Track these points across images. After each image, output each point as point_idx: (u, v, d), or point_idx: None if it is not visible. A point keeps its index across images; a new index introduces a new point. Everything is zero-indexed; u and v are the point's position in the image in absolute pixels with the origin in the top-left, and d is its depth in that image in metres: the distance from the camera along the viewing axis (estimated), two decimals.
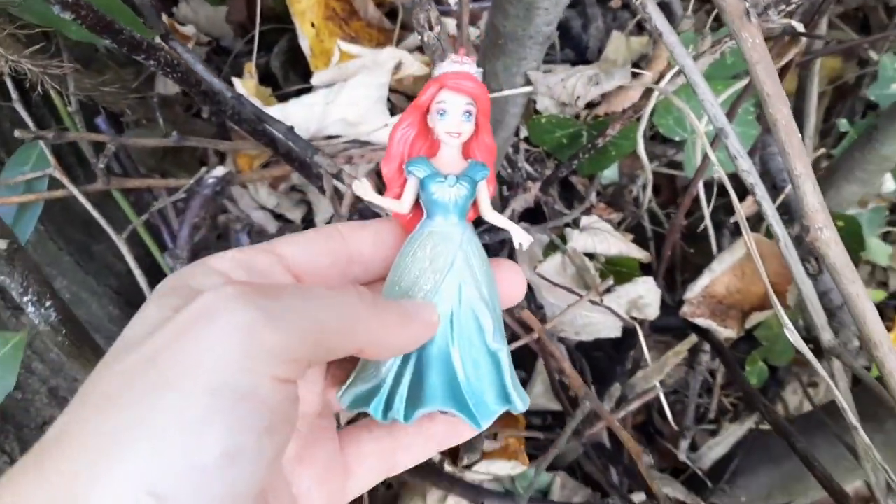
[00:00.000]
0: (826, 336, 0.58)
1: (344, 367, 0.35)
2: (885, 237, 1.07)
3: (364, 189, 0.35)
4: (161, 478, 0.23)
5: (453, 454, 0.71)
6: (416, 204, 0.36)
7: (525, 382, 0.94)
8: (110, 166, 0.62)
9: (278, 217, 0.81)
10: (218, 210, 0.73)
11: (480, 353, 0.34)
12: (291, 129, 0.62)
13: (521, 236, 0.36)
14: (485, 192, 0.36)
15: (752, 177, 0.52)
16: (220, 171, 0.65)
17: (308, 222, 0.82)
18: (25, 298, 0.44)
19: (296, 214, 0.81)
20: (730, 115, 0.69)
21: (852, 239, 0.74)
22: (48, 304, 0.45)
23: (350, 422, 0.35)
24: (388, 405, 0.33)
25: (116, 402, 0.24)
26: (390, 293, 0.34)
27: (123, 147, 0.67)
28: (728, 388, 0.95)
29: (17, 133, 0.56)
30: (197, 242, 0.67)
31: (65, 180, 0.60)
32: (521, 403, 0.34)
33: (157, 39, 0.58)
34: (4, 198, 0.60)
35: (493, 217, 0.37)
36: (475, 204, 0.36)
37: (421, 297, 0.34)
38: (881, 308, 1.02)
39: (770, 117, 0.39)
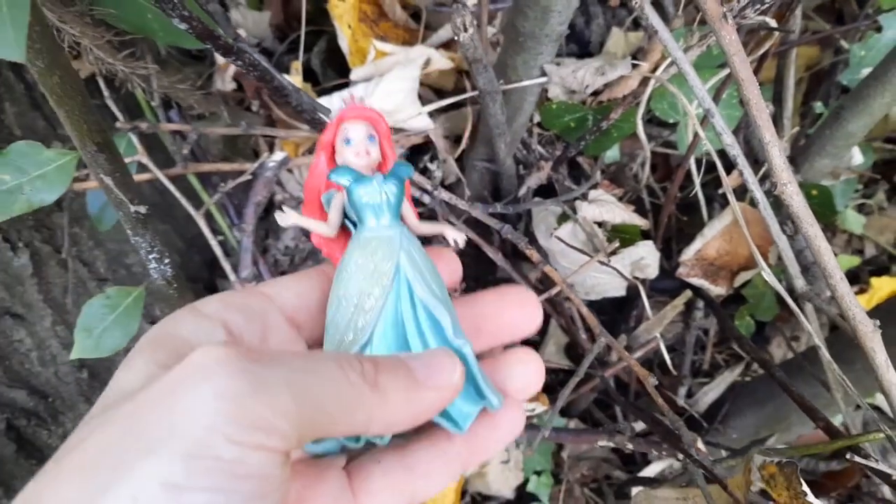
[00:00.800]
0: (799, 283, 0.68)
1: None
2: (861, 209, 1.18)
3: (287, 217, 0.35)
4: None
5: None
6: (340, 234, 0.36)
7: (538, 345, 1.04)
8: (185, 153, 0.72)
9: None
10: (272, 191, 0.83)
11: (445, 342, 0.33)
12: None
13: (454, 234, 0.37)
14: (409, 209, 0.37)
15: (734, 149, 0.63)
16: (279, 155, 0.75)
17: None
18: (151, 256, 0.54)
19: None
20: (716, 98, 0.79)
21: (825, 206, 0.84)
22: (166, 261, 0.56)
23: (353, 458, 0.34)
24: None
25: (94, 466, 0.23)
26: (337, 307, 0.33)
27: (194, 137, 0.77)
28: (720, 346, 1.06)
29: (117, 124, 0.67)
30: (260, 218, 0.77)
31: (151, 165, 0.70)
32: (496, 399, 0.34)
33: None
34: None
35: (422, 228, 0.37)
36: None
37: (371, 303, 0.33)
38: (856, 273, 1.13)
39: (744, 97, 0.49)
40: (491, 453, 0.35)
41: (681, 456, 0.60)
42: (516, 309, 0.36)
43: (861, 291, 1.03)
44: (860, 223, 1.11)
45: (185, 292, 0.59)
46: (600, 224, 0.81)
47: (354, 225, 0.36)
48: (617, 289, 0.85)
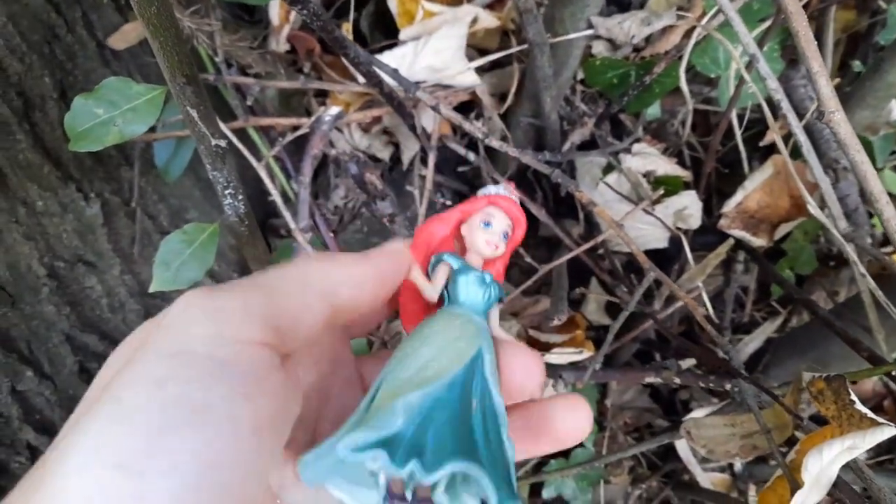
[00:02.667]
0: (842, 224, 0.70)
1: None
2: None
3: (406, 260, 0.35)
4: (123, 446, 0.22)
5: (531, 343, 0.84)
6: (419, 300, 0.36)
7: (579, 302, 1.07)
8: (248, 104, 0.75)
9: (370, 157, 0.95)
10: (326, 147, 0.86)
11: (497, 440, 0.30)
12: (396, 70, 0.76)
13: (526, 359, 0.34)
14: (496, 314, 0.36)
15: (779, 93, 0.65)
16: (334, 110, 0.78)
17: (395, 160, 0.95)
18: (227, 191, 0.58)
19: (385, 154, 0.95)
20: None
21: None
22: (240, 198, 0.59)
23: None
24: (408, 452, 0.27)
25: (89, 397, 0.25)
26: (413, 363, 0.31)
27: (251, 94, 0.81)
28: (758, 304, 1.08)
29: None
30: (315, 171, 0.81)
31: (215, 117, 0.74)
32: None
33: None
34: (166, 133, 0.74)
35: (499, 335, 0.35)
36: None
37: (452, 359, 0.31)
38: None
39: (793, 29, 0.52)
40: (540, 453, 0.35)
41: (728, 385, 0.62)
42: (520, 369, 0.33)
43: None
44: None
45: (255, 231, 0.63)
46: (644, 175, 0.83)
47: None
48: (659, 240, 0.87)
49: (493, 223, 0.36)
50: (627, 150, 0.84)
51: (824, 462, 0.48)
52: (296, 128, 0.78)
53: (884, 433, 0.47)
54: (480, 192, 0.37)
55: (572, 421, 0.33)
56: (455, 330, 0.33)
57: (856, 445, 0.48)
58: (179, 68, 0.47)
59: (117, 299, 0.80)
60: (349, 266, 0.31)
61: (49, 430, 0.75)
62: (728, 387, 0.61)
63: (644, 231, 0.86)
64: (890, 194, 1.15)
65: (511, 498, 0.28)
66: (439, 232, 0.37)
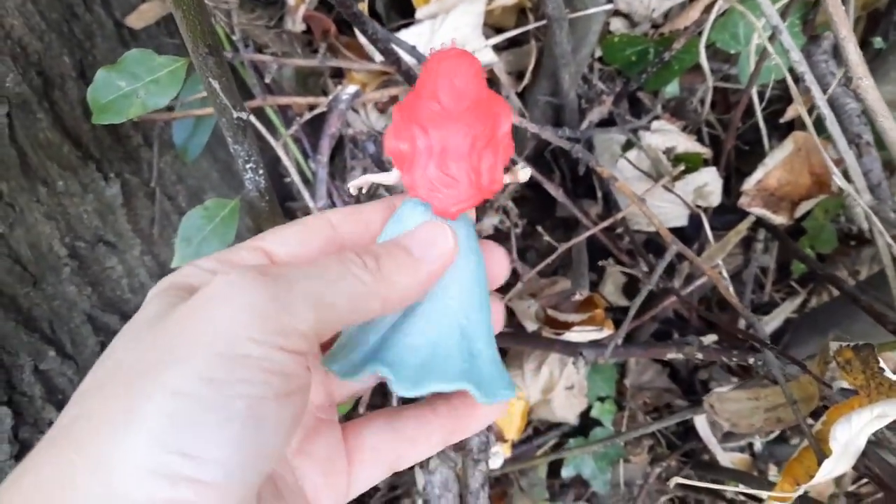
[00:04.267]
0: (866, 197, 0.69)
1: None
2: None
3: (358, 182, 0.36)
4: (185, 435, 0.24)
5: (550, 322, 0.84)
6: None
7: (596, 284, 1.06)
8: (266, 82, 0.75)
9: None
10: (343, 127, 0.86)
11: (490, 346, 0.35)
12: (414, 47, 0.75)
13: (523, 174, 0.37)
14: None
15: (802, 66, 0.64)
16: (351, 89, 0.78)
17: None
18: (248, 165, 0.58)
19: None
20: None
21: None
22: (261, 172, 0.59)
23: (348, 417, 0.36)
24: (398, 366, 0.33)
25: (130, 376, 0.25)
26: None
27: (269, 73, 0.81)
28: (778, 284, 1.07)
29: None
30: (333, 150, 0.81)
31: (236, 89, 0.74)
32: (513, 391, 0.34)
33: None
34: (184, 112, 0.74)
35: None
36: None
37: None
38: None
39: None
40: (470, 432, 0.37)
41: (752, 359, 0.62)
42: (491, 264, 0.37)
43: None
44: None
45: (275, 206, 0.62)
46: (664, 152, 0.83)
47: None
48: (679, 218, 0.86)
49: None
50: (647, 128, 0.83)
51: (853, 431, 0.48)
52: (313, 107, 0.78)
53: None
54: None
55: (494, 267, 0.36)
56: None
57: (885, 413, 0.47)
58: (202, 38, 0.47)
59: (137, 280, 0.80)
60: (399, 260, 0.32)
61: None
62: (752, 360, 0.60)
63: (663, 209, 0.85)
64: None
65: (506, 390, 0.34)
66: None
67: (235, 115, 0.52)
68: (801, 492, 0.48)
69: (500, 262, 0.37)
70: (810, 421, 0.55)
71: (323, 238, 0.35)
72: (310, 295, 0.28)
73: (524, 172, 0.37)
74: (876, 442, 0.55)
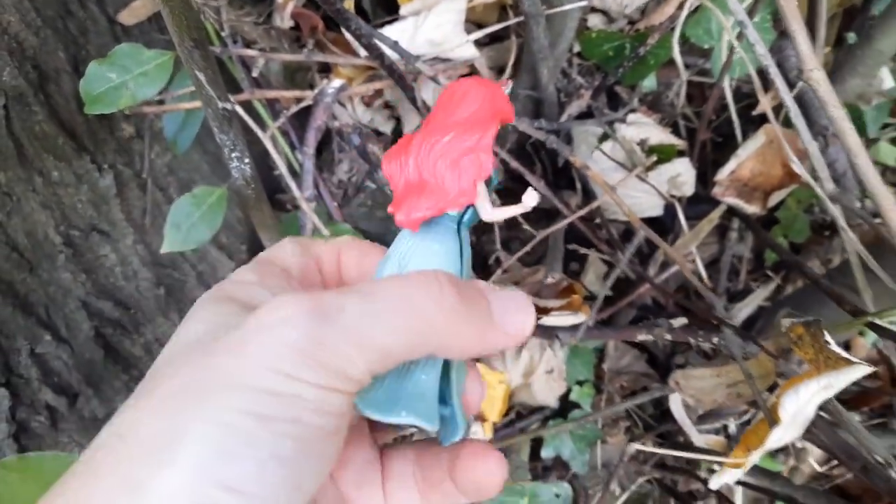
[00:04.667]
0: (829, 186, 0.72)
1: None
2: (895, 141, 1.20)
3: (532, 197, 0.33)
4: (232, 470, 0.23)
5: None
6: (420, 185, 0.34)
7: (578, 273, 1.10)
8: (253, 76, 0.78)
9: (373, 131, 0.98)
10: (330, 120, 0.89)
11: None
12: (396, 42, 0.78)
13: (529, 201, 0.33)
14: (483, 201, 0.34)
15: (766, 59, 0.67)
16: (337, 83, 0.81)
17: (397, 133, 0.98)
18: (233, 154, 0.61)
19: (387, 128, 0.98)
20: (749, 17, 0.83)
21: (855, 125, 0.88)
22: (246, 161, 0.62)
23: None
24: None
25: (177, 401, 0.25)
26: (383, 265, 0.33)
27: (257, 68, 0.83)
28: (753, 273, 1.10)
29: None
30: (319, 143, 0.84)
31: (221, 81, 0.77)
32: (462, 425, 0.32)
33: None
34: (174, 105, 0.77)
35: (497, 215, 0.34)
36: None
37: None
38: None
39: None
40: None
41: (715, 339, 0.65)
42: (479, 470, 0.32)
43: None
44: (893, 155, 1.14)
45: (261, 194, 0.65)
46: (639, 143, 0.86)
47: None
48: (654, 208, 0.89)
49: None
50: (623, 120, 0.86)
51: (801, 401, 0.51)
52: (300, 100, 0.81)
53: (857, 372, 0.50)
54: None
55: (483, 471, 0.32)
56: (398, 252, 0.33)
57: (831, 384, 0.50)
58: (188, 32, 0.50)
59: (130, 268, 0.83)
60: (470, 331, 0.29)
61: (66, 392, 0.78)
62: (715, 340, 0.63)
63: (639, 199, 0.88)
64: (887, 166, 1.17)
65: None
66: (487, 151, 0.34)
67: (221, 105, 0.55)
68: (753, 457, 0.51)
69: (474, 388, 0.34)
70: (767, 395, 0.58)
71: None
72: (365, 339, 0.26)
73: (531, 197, 0.34)
74: (834, 422, 0.58)
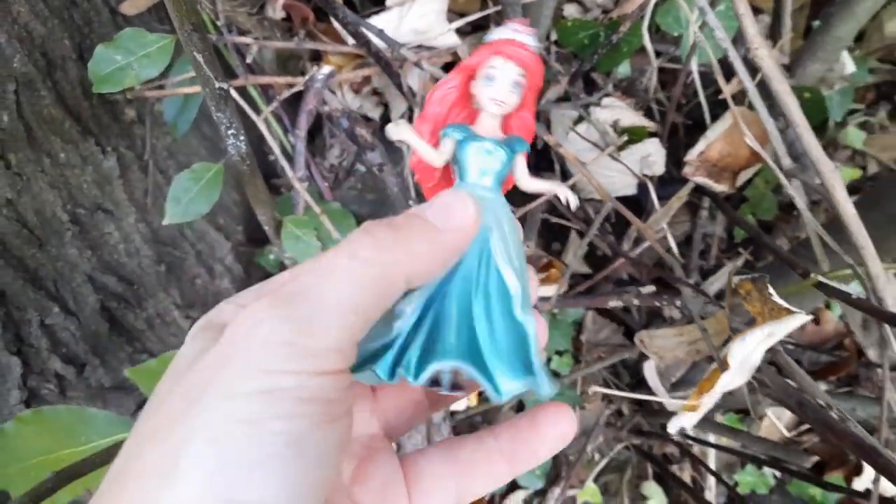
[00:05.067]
0: (786, 162, 0.77)
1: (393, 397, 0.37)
2: (864, 127, 1.26)
3: (400, 130, 0.34)
4: (229, 482, 0.23)
5: None
6: (446, 176, 0.36)
7: (559, 253, 1.15)
8: (248, 62, 0.83)
9: (362, 117, 1.03)
10: (320, 106, 0.94)
11: (505, 320, 0.32)
12: (382, 31, 0.83)
13: (566, 193, 0.35)
14: (522, 162, 0.35)
15: (725, 42, 0.72)
16: (326, 69, 0.86)
17: (385, 119, 1.03)
18: (229, 132, 0.66)
19: (375, 114, 1.03)
20: (712, 7, 0.88)
21: (816, 106, 0.93)
22: (241, 138, 0.67)
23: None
24: (397, 362, 0.31)
25: (170, 425, 0.25)
26: None
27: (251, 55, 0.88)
28: (725, 252, 1.15)
29: None
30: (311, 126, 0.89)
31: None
32: (547, 385, 0.32)
33: None
34: (174, 90, 0.82)
35: (533, 185, 0.36)
36: (510, 176, 0.35)
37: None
38: (857, 188, 1.22)
39: None
40: (537, 459, 0.35)
41: (679, 303, 0.70)
42: (550, 428, 0.34)
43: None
44: (860, 138, 1.19)
45: (255, 170, 0.70)
46: (612, 125, 0.91)
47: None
48: (628, 187, 0.94)
49: (496, 76, 0.33)
50: (597, 104, 0.91)
51: (748, 348, 0.56)
52: (291, 86, 0.86)
53: (797, 320, 0.55)
54: (487, 37, 0.34)
55: (558, 427, 0.34)
56: None
57: (774, 332, 0.56)
58: (187, 16, 0.55)
59: (133, 245, 0.88)
60: (420, 252, 0.30)
61: (74, 361, 0.83)
62: (678, 302, 0.68)
63: (613, 178, 0.93)
64: (855, 150, 1.22)
65: (516, 377, 0.31)
66: (449, 97, 0.35)
67: (217, 85, 0.60)
68: (706, 399, 0.56)
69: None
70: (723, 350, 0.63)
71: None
72: (325, 303, 0.27)
73: (573, 198, 0.36)
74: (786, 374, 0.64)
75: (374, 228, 0.29)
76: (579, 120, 0.92)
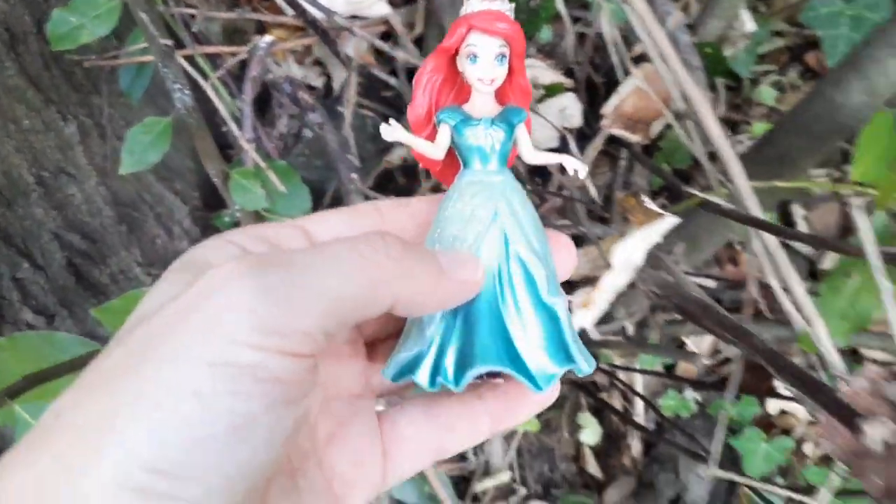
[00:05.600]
0: (681, 105, 0.87)
1: (388, 345, 0.34)
2: (777, 85, 1.37)
3: (394, 131, 0.33)
4: (162, 452, 0.22)
5: None
6: (452, 155, 0.34)
7: None
8: (194, 31, 0.91)
9: (307, 87, 1.11)
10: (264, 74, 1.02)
11: (535, 308, 0.31)
12: (317, 0, 0.92)
13: (573, 163, 0.34)
14: (525, 135, 0.34)
15: (629, 7, 0.81)
16: (268, 38, 0.94)
17: (328, 88, 1.12)
18: (175, 85, 0.74)
19: (318, 83, 1.11)
20: None
21: (716, 60, 1.03)
22: (187, 92, 0.75)
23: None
24: (436, 370, 0.31)
25: (114, 379, 0.24)
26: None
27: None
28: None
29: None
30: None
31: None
32: (585, 363, 0.32)
33: None
34: (128, 59, 0.90)
35: (537, 157, 0.35)
36: (514, 149, 0.35)
37: (464, 250, 0.31)
38: None
39: None
40: (522, 418, 0.35)
41: (581, 227, 0.79)
42: (556, 254, 0.33)
43: None
44: (773, 96, 1.30)
45: (202, 122, 0.78)
46: (532, 84, 1.00)
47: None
48: (550, 140, 1.04)
49: (478, 54, 0.32)
50: None
51: (628, 250, 0.65)
52: (235, 54, 0.94)
53: (668, 222, 0.64)
54: (462, 10, 0.33)
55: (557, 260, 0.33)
56: (466, 205, 0.32)
57: (649, 235, 0.65)
58: None
59: (95, 206, 0.96)
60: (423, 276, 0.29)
61: (44, 313, 0.91)
62: (582, 228, 0.78)
63: (535, 132, 1.02)
64: (772, 108, 1.32)
65: (554, 366, 0.31)
66: (435, 81, 0.34)
67: (162, 42, 0.68)
68: (597, 297, 0.65)
69: (566, 256, 0.34)
70: None
71: (370, 225, 0.33)
72: (315, 285, 0.25)
73: (581, 168, 0.35)
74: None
75: (390, 238, 0.28)
76: None
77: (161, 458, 0.22)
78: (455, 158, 0.34)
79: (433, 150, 0.34)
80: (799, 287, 0.62)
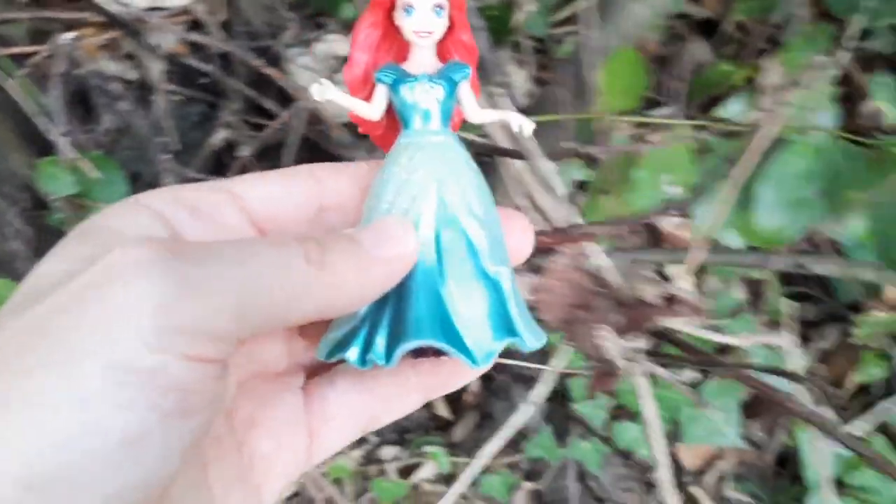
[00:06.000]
0: None
1: (322, 323, 0.30)
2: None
3: (325, 90, 0.31)
4: (41, 465, 0.20)
5: None
6: (394, 119, 0.32)
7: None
8: None
9: (123, 81, 1.15)
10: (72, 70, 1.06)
11: (475, 277, 0.30)
12: None
13: (520, 120, 0.33)
14: (469, 94, 0.32)
15: None
16: (71, 34, 0.98)
17: (144, 81, 1.16)
18: None
19: (133, 76, 1.15)
20: None
21: (500, 22, 1.14)
22: None
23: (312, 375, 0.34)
24: (367, 347, 0.29)
25: (4, 370, 0.21)
26: (366, 219, 0.30)
27: None
28: None
29: None
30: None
31: None
32: (531, 337, 0.30)
33: None
34: None
35: (482, 116, 0.33)
36: (459, 111, 0.32)
37: (407, 210, 0.29)
38: None
39: None
40: (458, 385, 0.33)
41: None
42: (510, 236, 0.31)
43: None
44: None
45: (6, 122, 0.82)
46: (333, 57, 1.08)
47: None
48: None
49: (414, 5, 0.30)
50: (318, 41, 1.08)
51: None
52: (36, 53, 0.97)
53: None
54: None
55: (512, 241, 0.31)
56: (402, 168, 0.30)
57: None
58: None
59: None
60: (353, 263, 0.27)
61: None
62: None
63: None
64: None
65: (493, 340, 0.29)
66: (372, 37, 0.32)
67: None
68: None
69: (521, 238, 0.32)
70: None
71: (306, 190, 0.31)
72: (231, 286, 0.23)
73: (527, 125, 0.33)
74: None
75: (308, 242, 0.26)
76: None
77: (34, 473, 0.20)
78: (395, 125, 0.32)
79: (369, 111, 0.32)
80: None
